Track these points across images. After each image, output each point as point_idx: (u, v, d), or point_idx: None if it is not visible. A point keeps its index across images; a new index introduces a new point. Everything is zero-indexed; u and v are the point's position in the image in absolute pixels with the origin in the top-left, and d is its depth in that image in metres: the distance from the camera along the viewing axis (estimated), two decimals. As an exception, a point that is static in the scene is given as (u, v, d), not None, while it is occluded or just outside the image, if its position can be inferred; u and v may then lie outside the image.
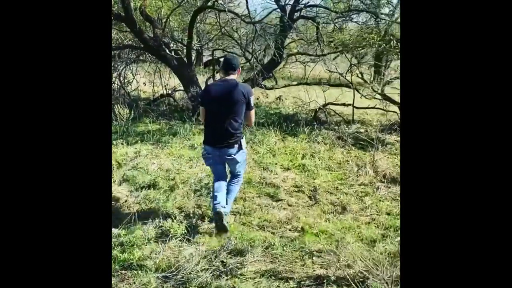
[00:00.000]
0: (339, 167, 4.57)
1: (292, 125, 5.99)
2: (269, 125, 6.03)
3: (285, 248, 2.75)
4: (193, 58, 6.13)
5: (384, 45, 5.36)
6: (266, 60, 6.89)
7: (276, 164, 4.52)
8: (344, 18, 7.77)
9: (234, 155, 2.91)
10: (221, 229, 2.86)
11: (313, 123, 6.23)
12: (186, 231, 2.87)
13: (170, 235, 2.77)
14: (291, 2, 6.64)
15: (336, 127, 6.28)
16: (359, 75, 7.17)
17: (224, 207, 2.85)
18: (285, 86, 6.59)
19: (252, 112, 3.00)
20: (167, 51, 5.33)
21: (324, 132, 5.85)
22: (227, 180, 3.10)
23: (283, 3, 6.50)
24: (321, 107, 6.35)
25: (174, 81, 7.81)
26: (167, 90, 7.64)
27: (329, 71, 6.49)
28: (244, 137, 3.02)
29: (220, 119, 2.84)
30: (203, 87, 5.50)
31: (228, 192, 3.00)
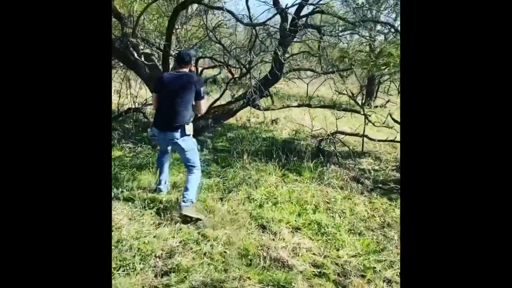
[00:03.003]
0: (366, 227, 3.32)
1: (295, 158, 4.73)
2: (264, 156, 4.76)
3: None
4: (171, 66, 4.77)
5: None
6: (261, 75, 5.63)
7: (280, 221, 3.23)
8: (352, 31, 6.67)
9: (177, 139, 3.06)
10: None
11: (318, 155, 5.00)
12: None
13: None
14: (294, 7, 5.42)
15: (345, 161, 5.08)
16: (350, 96, 6.11)
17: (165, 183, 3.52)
18: (283, 107, 5.38)
19: (202, 101, 3.18)
20: (136, 55, 4.00)
21: (333, 168, 4.63)
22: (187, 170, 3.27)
23: (285, 7, 5.28)
24: (330, 135, 5.14)
25: (147, 93, 6.43)
26: (137, 103, 6.25)
27: (338, 92, 5.30)
28: (190, 123, 3.13)
29: (167, 105, 3.07)
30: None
31: (186, 181, 3.15)
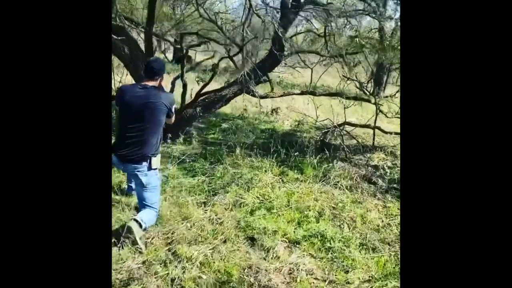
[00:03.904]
0: (381, 240, 2.70)
1: (296, 154, 4.08)
2: (261, 149, 4.13)
3: None
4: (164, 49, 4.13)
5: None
6: (258, 57, 4.98)
7: (276, 232, 2.61)
8: (363, 11, 5.99)
9: (140, 172, 2.41)
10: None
11: (323, 149, 4.37)
12: None
13: None
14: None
15: (354, 157, 4.44)
16: (357, 85, 5.46)
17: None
18: (284, 95, 4.74)
19: (172, 118, 2.62)
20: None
21: (340, 165, 3.99)
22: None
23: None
24: (336, 126, 4.49)
25: (131, 79, 5.79)
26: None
27: (347, 78, 4.63)
28: (158, 155, 2.50)
29: (131, 130, 2.38)
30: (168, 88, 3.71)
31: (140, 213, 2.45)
